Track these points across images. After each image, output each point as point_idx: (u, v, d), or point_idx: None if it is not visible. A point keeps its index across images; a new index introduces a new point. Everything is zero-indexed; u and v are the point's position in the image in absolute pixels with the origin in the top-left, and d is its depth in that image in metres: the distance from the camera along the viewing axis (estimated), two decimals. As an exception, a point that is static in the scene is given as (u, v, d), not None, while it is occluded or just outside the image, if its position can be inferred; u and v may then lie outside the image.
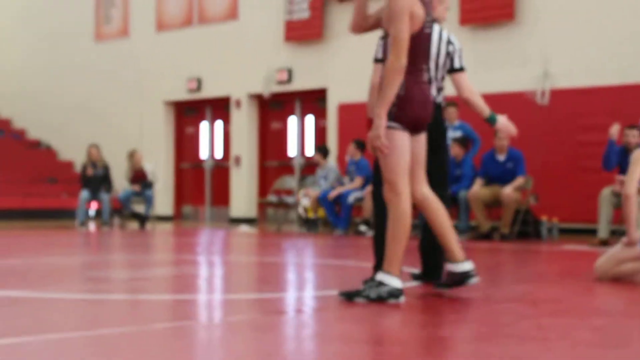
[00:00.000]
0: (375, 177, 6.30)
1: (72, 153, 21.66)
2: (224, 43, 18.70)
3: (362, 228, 13.57)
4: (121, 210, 17.08)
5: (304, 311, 5.06)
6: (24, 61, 23.41)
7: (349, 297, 5.23)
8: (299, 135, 18.22)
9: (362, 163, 14.22)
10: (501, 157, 12.43)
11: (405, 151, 5.21)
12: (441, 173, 6.20)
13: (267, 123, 18.72)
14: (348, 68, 16.52)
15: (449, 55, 6.21)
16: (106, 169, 16.43)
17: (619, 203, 11.23)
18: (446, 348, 3.92)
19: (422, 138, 5.39)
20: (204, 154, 19.86)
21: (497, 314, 4.78)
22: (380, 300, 5.15)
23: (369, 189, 13.41)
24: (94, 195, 16.25)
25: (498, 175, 12.39)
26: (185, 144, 20.23)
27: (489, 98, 8.09)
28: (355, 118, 16.09)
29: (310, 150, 17.88)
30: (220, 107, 19.42)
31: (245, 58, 18.22)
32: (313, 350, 3.80)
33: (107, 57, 21.12)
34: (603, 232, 11.25)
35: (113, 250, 11.08)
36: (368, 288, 5.21)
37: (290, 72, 17.51)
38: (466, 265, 5.39)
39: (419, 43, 5.24)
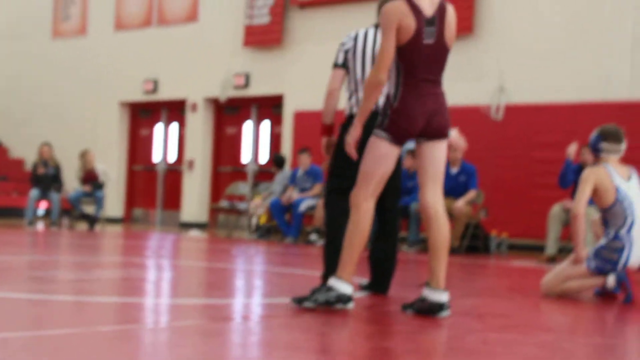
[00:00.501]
0: (328, 186, 6.30)
1: (23, 151, 21.38)
2: (182, 45, 18.61)
3: (313, 237, 13.56)
4: (71, 210, 16.90)
5: (251, 318, 5.03)
6: (-23, 55, 23.10)
7: (299, 302, 5.24)
8: (254, 141, 18.18)
9: (315, 170, 14.22)
10: (454, 170, 12.50)
11: (384, 162, 5.18)
12: (394, 184, 6.21)
13: (222, 128, 18.66)
14: (306, 75, 16.53)
15: None
16: (57, 168, 16.26)
17: (567, 220, 11.35)
18: (392, 360, 3.92)
19: (439, 144, 5.24)
20: (157, 156, 19.73)
21: (444, 327, 4.79)
22: (328, 304, 5.15)
23: (321, 200, 13.42)
24: (44, 195, 16.07)
25: (450, 188, 12.45)
26: (138, 146, 20.09)
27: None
28: (311, 126, 16.07)
29: (264, 157, 17.86)
30: (175, 110, 19.32)
31: (203, 61, 18.16)
32: (258, 358, 3.78)
33: (64, 54, 20.91)
34: (551, 249, 11.36)
35: (60, 250, 10.95)
36: (317, 292, 5.20)
37: (247, 77, 17.47)
38: (443, 296, 5.13)
39: (416, 54, 5.13)
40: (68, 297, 5.76)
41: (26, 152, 21.00)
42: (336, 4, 16.20)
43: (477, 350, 4.09)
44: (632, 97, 12.92)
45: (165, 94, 18.98)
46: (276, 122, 17.74)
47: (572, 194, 11.38)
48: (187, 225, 18.19)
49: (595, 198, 6.65)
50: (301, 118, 16.50)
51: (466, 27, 14.26)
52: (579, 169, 11.43)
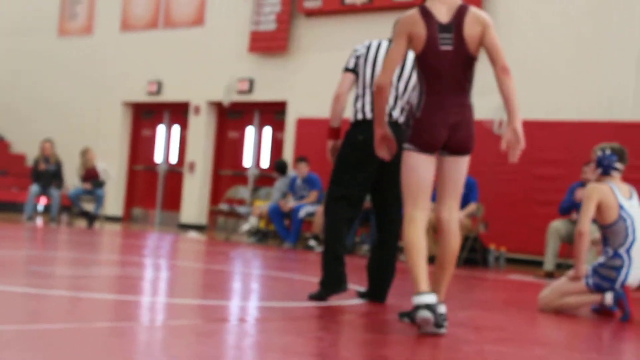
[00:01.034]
0: (327, 193, 6.30)
1: (25, 146, 21.38)
2: (188, 48, 18.63)
3: (312, 243, 13.56)
4: (70, 207, 16.89)
5: (247, 320, 5.02)
6: (-17, 50, 23.11)
7: (402, 316, 5.31)
8: (256, 146, 18.19)
9: (312, 177, 14.25)
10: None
11: (415, 173, 5.03)
12: (396, 194, 6.21)
13: (224, 131, 18.66)
14: (309, 83, 16.55)
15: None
16: (58, 164, 16.26)
17: (566, 237, 11.35)
18: (386, 367, 3.91)
19: (460, 160, 5.10)
20: (158, 157, 19.73)
21: (440, 338, 4.78)
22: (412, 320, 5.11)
23: (321, 207, 13.43)
24: (44, 191, 16.07)
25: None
26: (140, 146, 20.09)
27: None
28: (313, 133, 16.11)
29: (265, 162, 17.86)
30: (178, 112, 19.33)
31: (208, 65, 18.17)
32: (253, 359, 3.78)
33: (70, 53, 20.93)
34: (549, 264, 11.35)
35: (59, 246, 10.94)
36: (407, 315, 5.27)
37: (251, 83, 17.48)
38: (441, 308, 4.95)
39: (434, 62, 4.98)
40: (64, 292, 5.76)
41: (28, 148, 21.00)
42: (342, 13, 16.21)
43: (472, 361, 4.08)
44: (635, 117, 12.92)
45: (169, 95, 19.00)
46: (278, 128, 17.75)
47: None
48: (186, 227, 18.18)
49: (597, 215, 6.63)
50: (303, 125, 16.51)
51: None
52: (581, 186, 11.42)
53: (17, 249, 9.57)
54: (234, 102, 17.83)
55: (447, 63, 4.96)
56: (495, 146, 14.11)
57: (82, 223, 16.52)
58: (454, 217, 5.11)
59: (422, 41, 4.97)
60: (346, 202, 6.15)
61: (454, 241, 5.09)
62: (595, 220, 6.72)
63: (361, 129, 6.13)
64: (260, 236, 14.73)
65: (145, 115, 20.03)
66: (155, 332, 4.31)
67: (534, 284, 9.70)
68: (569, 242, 11.28)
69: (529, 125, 13.82)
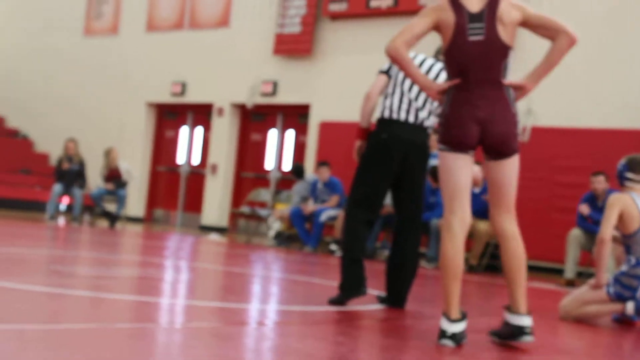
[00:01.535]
0: (350, 196, 6.30)
1: (49, 145, 21.52)
2: (213, 50, 18.68)
3: (333, 247, 13.56)
4: (92, 207, 16.98)
5: (266, 324, 5.03)
6: (10, 49, 23.27)
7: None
8: (278, 148, 18.21)
9: (333, 182, 14.25)
10: (477, 190, 12.46)
11: (451, 174, 4.78)
12: (411, 195, 6.22)
13: (247, 134, 18.70)
14: (333, 86, 16.55)
15: None
16: (82, 164, 16.35)
17: (586, 245, 11.31)
18: (405, 373, 3.90)
19: (504, 164, 4.79)
20: (181, 158, 19.80)
21: (460, 344, 4.77)
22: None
23: (342, 211, 13.43)
24: (67, 190, 16.15)
25: (472, 207, 12.37)
26: (163, 147, 20.16)
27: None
28: (336, 136, 16.11)
29: (288, 165, 17.88)
30: (202, 113, 19.39)
31: (232, 67, 18.22)
32: (271, 364, 3.78)
33: (95, 52, 21.05)
34: (570, 272, 11.30)
35: (80, 246, 11.00)
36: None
37: (275, 85, 17.51)
38: (525, 320, 4.75)
39: (463, 52, 4.73)
40: (85, 292, 5.78)
41: (51, 147, 21.14)
42: (367, 16, 16.21)
43: (491, 369, 4.07)
44: (659, 125, 12.85)
45: (193, 97, 19.06)
46: (301, 131, 17.76)
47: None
48: (207, 229, 18.22)
49: (619, 224, 6.62)
50: (326, 128, 16.51)
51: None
52: (591, 197, 11.48)
53: (39, 247, 9.63)
54: (257, 105, 17.87)
55: (476, 54, 4.70)
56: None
57: (104, 223, 16.59)
58: (508, 225, 4.86)
59: (450, 31, 4.74)
60: (366, 205, 6.15)
61: (514, 247, 4.82)
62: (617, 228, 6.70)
63: (386, 127, 6.15)
64: (282, 239, 14.75)
65: (169, 116, 20.10)
66: (174, 334, 4.33)
67: (554, 292, 9.66)
68: (589, 250, 11.23)
69: (550, 132, 13.81)
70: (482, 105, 4.70)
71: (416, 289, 6.77)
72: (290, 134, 18.11)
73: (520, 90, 4.76)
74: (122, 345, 3.84)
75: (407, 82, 6.19)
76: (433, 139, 12.60)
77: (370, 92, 6.27)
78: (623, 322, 6.71)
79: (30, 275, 6.48)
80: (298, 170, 15.11)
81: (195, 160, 19.56)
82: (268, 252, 12.70)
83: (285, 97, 17.51)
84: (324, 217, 13.90)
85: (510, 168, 4.81)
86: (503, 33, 4.71)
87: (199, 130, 19.58)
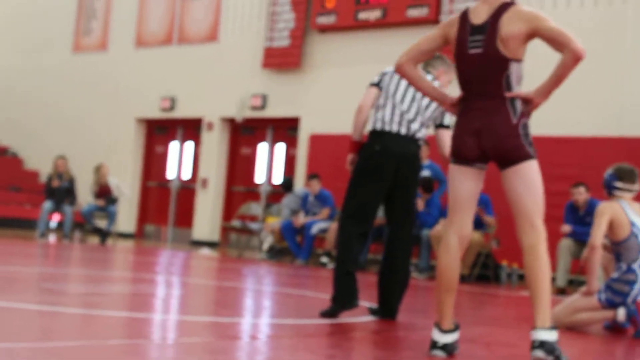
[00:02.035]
0: (342, 208, 6.32)
1: (38, 163, 21.49)
2: (202, 64, 18.70)
3: (324, 259, 13.56)
4: (83, 224, 16.95)
5: (259, 338, 5.03)
6: (0, 68, 23.28)
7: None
8: (268, 162, 18.22)
9: (324, 194, 14.27)
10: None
11: (454, 187, 4.74)
12: (401, 206, 6.24)
13: (237, 148, 18.70)
14: (323, 99, 16.58)
15: (441, 109, 6.26)
16: (72, 181, 16.32)
17: (577, 253, 11.36)
18: (397, 385, 3.91)
19: (511, 172, 4.67)
20: (171, 173, 19.79)
21: (452, 355, 4.77)
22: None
23: (334, 224, 13.44)
24: (57, 207, 16.12)
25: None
26: (153, 162, 20.15)
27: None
28: (326, 149, 16.12)
29: (278, 178, 17.88)
30: (191, 128, 19.39)
31: (221, 81, 18.24)
32: (264, 378, 3.78)
33: (84, 69, 21.04)
34: (561, 280, 11.34)
35: (71, 263, 10.98)
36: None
37: (264, 99, 17.53)
38: (539, 334, 4.49)
39: (462, 65, 4.72)
40: (77, 309, 5.77)
41: (41, 164, 21.10)
42: (356, 29, 16.25)
43: (483, 379, 4.08)
44: (648, 132, 12.90)
45: (182, 112, 19.06)
46: (291, 144, 17.78)
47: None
48: (199, 243, 18.20)
49: (609, 232, 6.66)
50: (316, 141, 16.53)
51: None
52: (572, 207, 11.60)
53: (30, 265, 9.61)
54: (246, 118, 17.88)
55: (474, 67, 4.66)
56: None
57: (94, 240, 16.56)
58: (525, 237, 4.75)
59: (454, 44, 4.75)
60: (359, 217, 6.17)
61: (528, 261, 4.68)
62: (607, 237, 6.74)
63: (378, 139, 6.17)
64: (273, 253, 14.74)
65: (159, 131, 20.10)
66: (167, 350, 4.33)
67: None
68: (579, 259, 11.28)
69: (542, 141, 13.84)
70: (478, 116, 4.65)
71: (408, 300, 6.77)
72: (281, 147, 18.12)
73: (529, 103, 4.65)
74: (114, 362, 3.84)
75: (399, 94, 6.22)
76: (424, 150, 12.66)
77: (361, 104, 6.29)
78: (614, 329, 6.74)
79: (21, 294, 6.47)
80: (287, 184, 15.13)
81: (186, 175, 19.55)
82: (260, 265, 12.69)
83: (274, 111, 17.52)
84: (315, 229, 13.91)
85: (519, 176, 4.67)
86: (502, 45, 4.60)
87: (189, 145, 19.58)
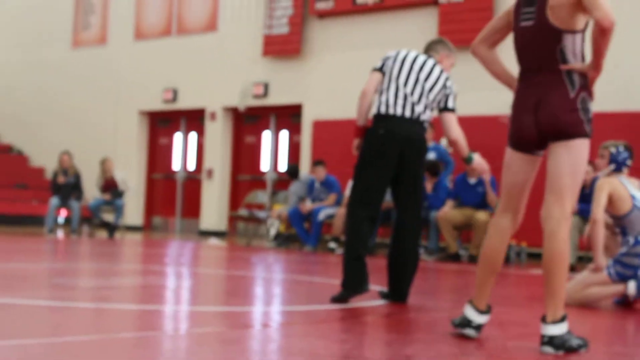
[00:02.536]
0: (350, 194, 6.32)
1: (43, 159, 21.50)
2: (202, 55, 18.68)
3: (332, 245, 13.56)
4: (91, 218, 16.97)
5: (270, 325, 5.04)
6: (1, 65, 23.23)
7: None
8: (273, 150, 18.21)
9: (330, 180, 14.26)
10: (472, 181, 12.48)
11: (507, 172, 4.64)
12: (408, 189, 6.25)
13: (241, 137, 18.70)
14: (324, 85, 16.56)
15: (444, 92, 6.27)
16: (77, 176, 16.34)
17: (584, 230, 11.35)
18: (411, 367, 3.91)
19: (555, 147, 4.43)
20: (176, 165, 19.79)
21: (462, 334, 4.78)
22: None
23: (340, 209, 13.43)
24: (64, 203, 16.14)
25: (469, 198, 12.42)
26: (158, 154, 20.16)
27: (464, 120, 8.14)
28: (329, 135, 16.12)
29: (283, 166, 17.88)
30: (194, 119, 19.38)
31: (222, 71, 18.21)
32: (277, 365, 3.79)
33: (84, 63, 21.03)
34: (570, 257, 11.33)
35: (80, 258, 11.00)
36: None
37: (266, 87, 17.51)
38: (546, 329, 4.40)
39: (516, 40, 4.58)
40: (88, 304, 5.79)
41: (46, 161, 21.12)
42: (354, 13, 16.22)
43: (497, 357, 4.08)
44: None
45: (185, 103, 19.05)
46: (295, 131, 17.77)
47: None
48: (206, 234, 18.22)
49: (609, 207, 6.68)
50: (320, 127, 16.52)
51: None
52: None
53: (39, 261, 9.63)
54: (249, 107, 17.87)
55: (526, 40, 4.49)
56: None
57: (103, 234, 16.59)
58: (550, 215, 4.45)
59: (512, 20, 4.61)
60: (366, 201, 6.17)
61: (548, 243, 4.42)
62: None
63: (382, 122, 6.17)
64: (282, 240, 14.75)
65: (162, 123, 20.09)
66: (179, 341, 4.33)
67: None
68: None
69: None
70: (533, 93, 4.46)
71: (417, 282, 6.77)
72: (284, 135, 18.11)
73: (587, 75, 4.44)
74: (127, 355, 3.85)
75: (402, 77, 6.22)
76: (429, 133, 12.65)
77: (365, 89, 6.29)
78: (626, 304, 6.74)
79: (32, 290, 6.48)
80: (293, 171, 15.12)
81: (191, 166, 19.55)
82: (268, 253, 12.70)
83: (277, 98, 17.50)
84: (322, 215, 13.91)
85: (568, 152, 4.41)
86: (552, 15, 4.38)
87: (193, 135, 19.57)
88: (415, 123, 6.19)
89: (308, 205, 14.14)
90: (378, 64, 6.37)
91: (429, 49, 6.49)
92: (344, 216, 13.06)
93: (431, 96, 6.22)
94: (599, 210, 6.59)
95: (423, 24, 15.19)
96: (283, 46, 17.07)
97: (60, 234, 16.17)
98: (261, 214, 15.64)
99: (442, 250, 12.94)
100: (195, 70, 18.74)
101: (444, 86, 6.27)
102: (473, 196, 12.44)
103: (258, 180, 18.24)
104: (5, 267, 8.30)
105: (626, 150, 6.87)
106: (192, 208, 19.26)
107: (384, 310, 5.87)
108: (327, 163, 14.51)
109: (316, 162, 14.43)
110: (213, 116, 18.49)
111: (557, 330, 4.37)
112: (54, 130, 21.36)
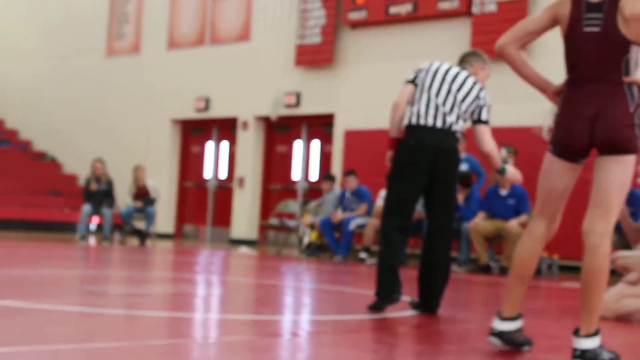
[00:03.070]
0: (384, 205, 6.32)
1: (76, 166, 21.67)
2: (234, 64, 18.75)
3: (362, 255, 13.54)
4: (122, 226, 17.07)
5: (300, 334, 5.03)
6: (34, 72, 23.48)
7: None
8: (304, 159, 18.23)
9: (361, 190, 14.26)
10: (504, 192, 12.41)
11: (546, 178, 4.54)
12: (439, 199, 6.23)
13: (272, 146, 18.74)
14: (356, 95, 16.56)
15: (478, 103, 6.24)
16: (110, 184, 16.44)
17: (618, 243, 11.22)
18: (441, 378, 3.89)
19: (607, 160, 4.38)
20: (208, 173, 19.87)
21: (494, 347, 4.75)
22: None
23: (371, 219, 13.41)
24: (96, 210, 16.25)
25: (499, 210, 12.35)
26: (190, 163, 20.25)
27: (497, 131, 8.10)
28: (361, 145, 16.11)
29: (314, 175, 17.89)
30: (226, 128, 19.45)
31: (255, 80, 18.27)
32: (307, 374, 3.78)
33: (118, 72, 21.19)
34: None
35: (112, 265, 11.06)
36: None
37: (298, 96, 17.55)
38: (579, 342, 4.32)
39: (575, 45, 4.37)
40: (119, 311, 5.81)
41: (79, 168, 21.27)
42: (387, 23, 16.22)
43: (527, 371, 4.05)
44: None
45: (217, 111, 19.13)
46: (326, 140, 17.78)
47: None
48: (237, 242, 18.26)
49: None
50: (351, 137, 16.52)
51: (518, 47, 14.18)
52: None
53: (71, 268, 9.69)
54: (281, 116, 17.91)
55: (590, 47, 4.30)
56: (543, 152, 13.99)
57: (134, 241, 16.67)
58: (593, 229, 4.39)
59: (565, 22, 4.38)
60: (398, 212, 6.16)
61: (589, 257, 4.35)
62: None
63: (413, 133, 6.16)
64: (312, 249, 14.75)
65: (194, 132, 20.19)
66: (209, 349, 4.34)
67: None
68: (620, 247, 11.15)
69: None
70: (592, 102, 4.30)
71: (448, 293, 6.74)
72: (316, 144, 18.13)
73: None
74: (157, 362, 3.86)
75: (434, 88, 6.21)
76: (461, 144, 12.59)
77: (397, 101, 6.29)
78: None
79: (64, 296, 6.52)
80: (330, 176, 15.19)
81: (222, 175, 19.62)
82: (299, 263, 12.70)
83: (308, 108, 17.53)
84: (352, 225, 13.90)
85: (618, 167, 4.33)
86: (623, 26, 4.21)
87: (225, 144, 19.65)
88: (446, 133, 6.17)
89: (339, 215, 14.14)
90: (411, 76, 6.36)
91: (462, 62, 6.47)
92: (374, 226, 13.04)
93: (464, 107, 6.21)
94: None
95: (456, 35, 15.16)
96: (315, 56, 17.10)
97: (92, 241, 16.27)
98: (292, 223, 15.65)
99: (473, 261, 12.88)
100: (228, 80, 18.81)
101: (477, 97, 6.24)
102: (504, 208, 12.36)
103: (289, 190, 18.27)
104: (37, 273, 8.36)
105: None
106: (223, 216, 19.31)
107: (415, 321, 5.85)
108: (358, 173, 14.50)
109: (347, 172, 14.44)
110: (245, 125, 18.55)
111: (589, 344, 4.31)
112: (87, 138, 21.52)
